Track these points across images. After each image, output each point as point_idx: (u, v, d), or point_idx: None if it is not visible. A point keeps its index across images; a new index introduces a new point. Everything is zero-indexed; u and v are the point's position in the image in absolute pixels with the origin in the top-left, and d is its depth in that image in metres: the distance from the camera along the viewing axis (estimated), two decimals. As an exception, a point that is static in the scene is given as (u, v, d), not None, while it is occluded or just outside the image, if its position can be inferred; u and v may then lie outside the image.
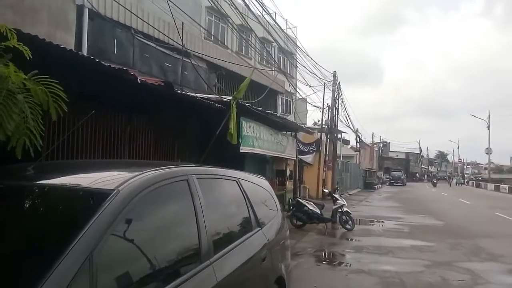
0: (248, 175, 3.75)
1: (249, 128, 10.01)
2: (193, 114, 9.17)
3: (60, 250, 1.51)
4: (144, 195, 2.06)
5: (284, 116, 19.29)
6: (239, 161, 11.96)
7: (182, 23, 11.31)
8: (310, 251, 8.69)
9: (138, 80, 5.92)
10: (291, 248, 8.61)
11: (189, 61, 13.08)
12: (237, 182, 3.35)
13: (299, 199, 11.91)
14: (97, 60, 5.07)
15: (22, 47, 2.30)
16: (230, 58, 17.35)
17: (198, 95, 8.67)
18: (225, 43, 21.76)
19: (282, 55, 25.47)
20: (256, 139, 10.52)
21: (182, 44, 10.54)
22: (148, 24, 12.62)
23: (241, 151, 9.46)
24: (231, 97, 8.56)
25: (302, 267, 7.15)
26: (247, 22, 14.80)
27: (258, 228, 3.40)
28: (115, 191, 1.93)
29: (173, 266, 2.13)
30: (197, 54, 14.96)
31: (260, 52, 23.74)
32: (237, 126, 8.86)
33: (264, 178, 4.26)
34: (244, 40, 22.22)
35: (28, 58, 2.27)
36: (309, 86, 23.58)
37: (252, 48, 22.76)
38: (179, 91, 7.54)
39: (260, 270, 3.22)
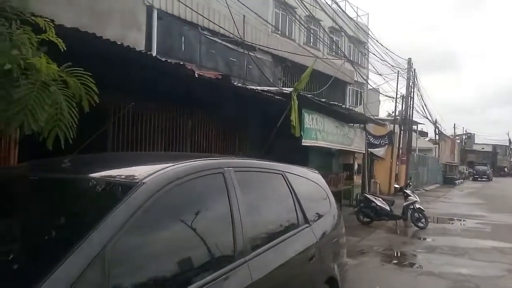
0: (296, 168, 3.56)
1: (312, 120, 9.73)
2: (255, 107, 9.14)
3: (71, 243, 1.49)
4: (172, 188, 1.99)
5: (353, 108, 18.60)
6: (302, 154, 11.74)
7: (244, 16, 11.30)
8: (377, 249, 8.24)
9: (195, 74, 5.99)
10: (355, 246, 8.31)
11: (252, 54, 13.07)
12: (283, 175, 3.19)
13: (366, 195, 11.39)
14: (154, 55, 5.18)
15: (57, 39, 2.37)
16: (296, 51, 17.09)
17: (258, 87, 8.60)
18: (292, 36, 21.52)
19: (352, 44, 24.57)
20: (319, 131, 10.20)
21: (243, 37, 10.54)
22: (213, 23, 12.81)
23: (303, 144, 9.23)
24: (291, 88, 8.36)
25: (365, 266, 6.80)
26: (313, 14, 14.42)
27: (306, 225, 3.21)
28: (139, 183, 1.88)
29: (201, 264, 2.04)
30: (262, 47, 14.95)
31: (328, 43, 23.12)
32: (299, 118, 8.65)
33: (316, 171, 4.03)
34: (311, 32, 21.79)
35: (62, 50, 2.34)
36: (380, 74, 22.34)
37: (320, 39, 22.25)
38: (238, 84, 7.52)
39: (307, 270, 3.04)
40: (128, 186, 1.87)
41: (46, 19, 2.44)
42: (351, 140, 13.57)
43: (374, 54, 20.32)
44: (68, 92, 2.21)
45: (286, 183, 3.19)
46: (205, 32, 13.13)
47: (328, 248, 3.53)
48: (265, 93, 7.94)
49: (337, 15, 18.45)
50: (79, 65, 2.30)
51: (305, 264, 2.97)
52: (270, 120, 8.77)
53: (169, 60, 5.92)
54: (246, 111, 9.20)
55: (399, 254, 7.99)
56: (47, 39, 2.35)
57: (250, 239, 2.45)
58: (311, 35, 22.37)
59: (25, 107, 2.03)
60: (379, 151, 21.03)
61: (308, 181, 3.63)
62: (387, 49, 25.79)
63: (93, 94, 2.34)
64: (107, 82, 5.65)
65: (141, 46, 10.65)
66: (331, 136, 11.36)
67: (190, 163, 2.28)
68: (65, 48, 2.39)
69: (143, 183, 1.90)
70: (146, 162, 2.44)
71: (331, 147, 11.79)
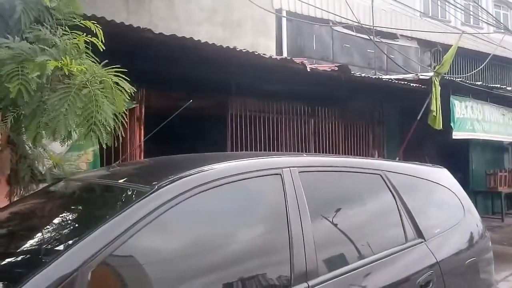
0: (404, 166, 2.76)
1: (466, 109, 8.11)
2: (391, 99, 8.12)
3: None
4: (195, 194, 1.62)
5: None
6: (460, 150, 9.98)
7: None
8: None
9: (307, 68, 5.51)
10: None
11: (392, 42, 11.82)
12: (382, 176, 2.47)
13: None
14: (251, 51, 4.93)
15: (97, 41, 2.25)
16: (450, 33, 14.87)
17: (391, 77, 7.58)
18: (447, 18, 18.94)
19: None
20: (477, 121, 8.45)
21: (372, 24, 9.51)
22: (343, 17, 12.06)
23: (453, 137, 7.74)
24: (432, 73, 7.09)
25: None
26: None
27: (420, 240, 2.41)
28: (152, 189, 1.57)
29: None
30: (404, 34, 13.48)
31: (494, 19, 19.56)
32: (444, 107, 7.29)
33: (443, 168, 3.08)
34: (470, 12, 18.76)
35: (101, 50, 2.21)
36: None
37: (482, 19, 18.99)
38: (364, 74, 6.73)
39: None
40: (142, 192, 1.59)
41: (94, 22, 2.37)
42: (527, 130, 10.98)
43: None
44: (103, 93, 2.06)
45: (387, 185, 2.45)
46: (337, 27, 12.49)
47: (460, 271, 2.62)
48: (398, 81, 6.91)
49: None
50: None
51: (412, 293, 2.20)
52: (411, 112, 7.63)
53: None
54: (381, 104, 8.25)
55: None
56: (92, 41, 2.25)
57: (320, 259, 1.87)
58: (471, 13, 19.28)
59: (59, 114, 1.95)
60: None
61: (425, 181, 2.77)
62: None
63: (124, 94, 2.14)
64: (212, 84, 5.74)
65: (272, 51, 10.70)
66: (496, 126, 9.34)
67: (228, 164, 1.85)
68: (104, 48, 2.27)
69: (156, 189, 1.57)
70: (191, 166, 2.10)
71: (496, 139, 9.72)
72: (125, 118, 2.31)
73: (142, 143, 4.51)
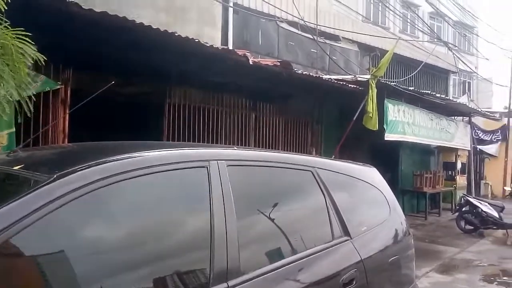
0: (337, 164, 2.76)
1: (398, 112, 8.51)
2: (330, 98, 8.29)
3: None
4: (103, 186, 1.44)
5: (457, 99, 16.35)
6: (391, 151, 10.47)
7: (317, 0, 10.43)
8: (478, 264, 6.80)
9: (250, 61, 5.42)
10: (451, 259, 6.97)
11: (335, 44, 12.11)
12: (313, 173, 2.43)
13: (469, 198, 9.68)
14: (190, 38, 4.75)
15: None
16: (388, 39, 15.55)
17: (331, 77, 7.73)
18: (386, 24, 19.82)
19: (456, 30, 21.79)
20: (408, 124, 8.90)
21: (316, 23, 9.67)
22: (290, 14, 12.15)
23: (386, 138, 8.09)
24: (369, 76, 7.32)
25: (456, 285, 5.54)
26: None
27: (346, 238, 2.41)
28: (49, 179, 1.38)
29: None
30: (346, 37, 13.89)
31: (429, 29, 20.79)
32: (380, 109, 7.58)
33: (372, 167, 3.14)
34: (408, 20, 19.79)
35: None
36: (486, 59, 19.39)
37: (418, 26, 20.14)
38: (305, 72, 6.78)
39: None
40: (37, 181, 1.38)
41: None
42: (452, 135, 11.81)
43: (482, 37, 17.66)
44: (3, 60, 1.79)
45: (317, 183, 2.42)
46: (283, 24, 12.55)
47: (384, 268, 2.67)
48: (337, 82, 7.05)
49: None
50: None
51: (336, 292, 2.18)
52: (348, 113, 7.84)
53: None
54: (321, 104, 8.40)
55: (507, 273, 6.45)
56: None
57: (245, 258, 1.78)
58: (408, 22, 20.36)
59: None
60: (490, 148, 18.26)
61: (355, 180, 2.79)
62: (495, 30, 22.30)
63: (27, 57, 1.89)
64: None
65: (217, 42, 10.47)
66: (424, 130, 9.92)
67: (147, 154, 1.69)
68: (5, 7, 1.98)
69: (56, 178, 1.38)
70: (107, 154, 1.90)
71: (424, 142, 10.32)
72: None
73: (66, 129, 4.15)
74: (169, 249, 1.60)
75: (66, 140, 4.12)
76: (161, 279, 1.53)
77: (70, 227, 1.36)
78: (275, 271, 1.88)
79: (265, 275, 1.82)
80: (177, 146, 1.95)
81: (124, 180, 1.50)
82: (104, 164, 1.49)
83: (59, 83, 4.15)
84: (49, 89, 3.95)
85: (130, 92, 5.95)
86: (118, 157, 1.56)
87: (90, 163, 1.49)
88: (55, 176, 1.39)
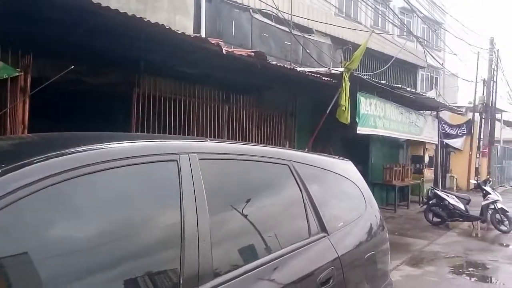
0: (314, 157, 2.67)
1: (370, 106, 8.57)
2: (304, 91, 8.23)
3: None
4: (58, 182, 1.28)
5: (424, 93, 16.73)
6: (362, 144, 10.57)
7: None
8: (444, 256, 6.96)
9: (223, 50, 5.25)
10: (420, 252, 7.09)
11: (308, 36, 12.07)
12: (289, 167, 2.33)
13: (436, 191, 9.91)
14: (166, 26, 4.54)
15: None
16: (361, 33, 15.69)
17: (305, 69, 7.66)
18: (358, 19, 20.02)
19: (426, 25, 22.29)
20: (379, 118, 8.99)
21: (290, 13, 9.58)
22: (263, 2, 12.00)
23: (358, 132, 8.13)
24: (342, 68, 7.30)
25: (428, 278, 5.63)
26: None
27: (323, 235, 2.33)
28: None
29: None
30: (320, 30, 13.90)
31: (399, 24, 21.16)
32: (352, 102, 7.58)
33: (348, 160, 3.07)
34: (379, 13, 20.05)
35: None
36: (455, 54, 19.91)
37: (389, 21, 20.49)
38: (278, 64, 6.67)
39: (317, 299, 2.16)
40: None
41: None
42: (420, 129, 12.06)
43: (451, 33, 18.09)
44: None
45: (294, 177, 2.32)
46: (257, 15, 12.40)
47: (360, 264, 2.61)
48: (312, 74, 6.98)
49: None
50: None
51: (313, 291, 2.10)
52: (322, 106, 7.81)
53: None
54: (294, 96, 8.33)
55: (474, 264, 6.64)
56: None
57: (218, 259, 1.65)
58: (379, 16, 20.64)
59: None
60: (456, 142, 18.87)
61: (331, 174, 2.71)
62: (463, 25, 22.93)
63: None
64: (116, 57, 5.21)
65: (189, 31, 10.19)
66: (395, 124, 10.06)
67: (110, 146, 1.53)
68: None
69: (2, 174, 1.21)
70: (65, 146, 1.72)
71: (394, 136, 10.48)
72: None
73: (26, 119, 3.88)
74: (134, 250, 1.45)
75: (26, 131, 3.84)
76: (126, 282, 1.39)
77: (20, 226, 1.19)
78: (251, 272, 1.77)
79: (239, 277, 1.70)
80: (145, 138, 1.80)
81: (84, 174, 1.34)
82: (64, 157, 1.33)
83: (18, 70, 3.86)
84: (6, 76, 3.67)
85: (96, 81, 5.66)
86: (72, 150, 1.39)
87: (47, 155, 1.32)
88: (0, 170, 1.21)
